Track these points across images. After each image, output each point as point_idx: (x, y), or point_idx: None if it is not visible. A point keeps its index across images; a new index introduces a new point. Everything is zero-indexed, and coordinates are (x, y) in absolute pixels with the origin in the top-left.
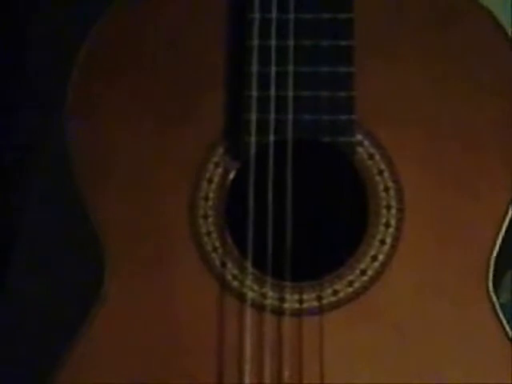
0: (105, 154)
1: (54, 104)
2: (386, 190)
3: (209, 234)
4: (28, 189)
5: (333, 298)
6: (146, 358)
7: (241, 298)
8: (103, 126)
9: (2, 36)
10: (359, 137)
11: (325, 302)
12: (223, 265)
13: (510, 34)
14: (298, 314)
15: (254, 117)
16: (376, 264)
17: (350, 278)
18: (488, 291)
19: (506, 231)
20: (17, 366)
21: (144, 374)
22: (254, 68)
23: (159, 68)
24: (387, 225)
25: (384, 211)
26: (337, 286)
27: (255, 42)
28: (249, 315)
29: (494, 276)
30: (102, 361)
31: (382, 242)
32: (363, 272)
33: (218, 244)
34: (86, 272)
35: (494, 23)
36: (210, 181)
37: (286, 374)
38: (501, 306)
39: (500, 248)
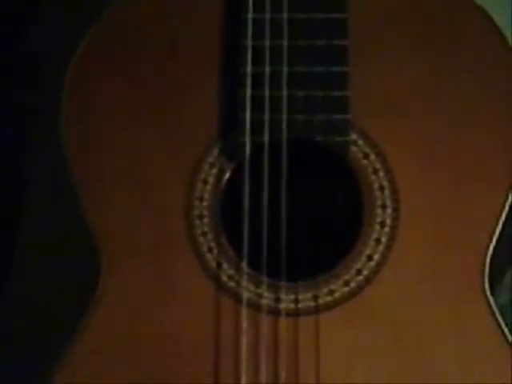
0: (100, 156)
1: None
2: (381, 189)
3: (204, 234)
4: (28, 189)
5: (328, 298)
6: (143, 357)
7: (236, 298)
8: (99, 128)
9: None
10: (354, 136)
11: (321, 301)
12: (219, 265)
13: (509, 35)
14: (293, 313)
15: (248, 117)
16: (371, 263)
17: (346, 277)
18: (484, 290)
19: (503, 230)
20: (17, 365)
21: (141, 373)
22: (249, 68)
23: (154, 69)
24: (382, 224)
25: (379, 211)
26: (332, 286)
27: (249, 42)
28: (245, 315)
29: (494, 276)
30: (100, 360)
31: (378, 241)
32: (359, 271)
33: (213, 244)
34: (85, 271)
35: (491, 25)
36: (205, 181)
37: (283, 374)
38: (501, 306)
39: (500, 248)
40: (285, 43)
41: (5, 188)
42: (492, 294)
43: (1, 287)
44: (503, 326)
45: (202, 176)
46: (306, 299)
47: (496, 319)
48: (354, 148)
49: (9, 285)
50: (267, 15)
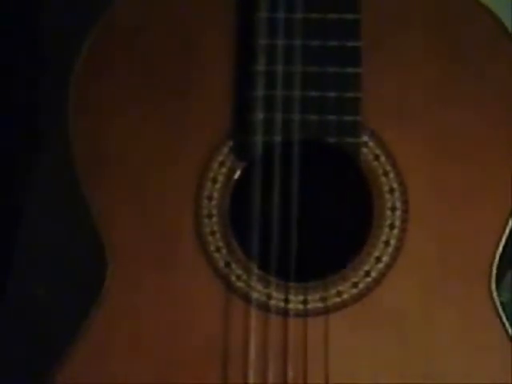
0: (108, 154)
1: (56, 102)
2: (391, 191)
3: (212, 233)
4: (29, 189)
5: (337, 299)
6: (149, 357)
7: (245, 298)
8: (105, 126)
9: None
10: (365, 138)
11: (329, 302)
12: (227, 265)
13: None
14: (302, 314)
15: (259, 116)
16: (380, 265)
17: (354, 279)
18: (491, 292)
19: (509, 232)
20: (17, 365)
21: (146, 374)
22: (261, 67)
23: (163, 66)
24: (392, 226)
25: (389, 212)
26: (341, 287)
27: (262, 42)
28: (254, 316)
29: (496, 275)
30: (103, 360)
31: (387, 243)
32: (367, 273)
33: (221, 244)
34: (87, 271)
35: (498, 25)
36: (215, 180)
37: (291, 374)
38: (501, 304)
39: (503, 248)
40: (297, 43)
41: (5, 188)
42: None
43: (1, 287)
44: (508, 326)
45: (212, 175)
46: (314, 300)
47: (502, 321)
48: (364, 149)
49: (9, 285)
50: (280, 15)
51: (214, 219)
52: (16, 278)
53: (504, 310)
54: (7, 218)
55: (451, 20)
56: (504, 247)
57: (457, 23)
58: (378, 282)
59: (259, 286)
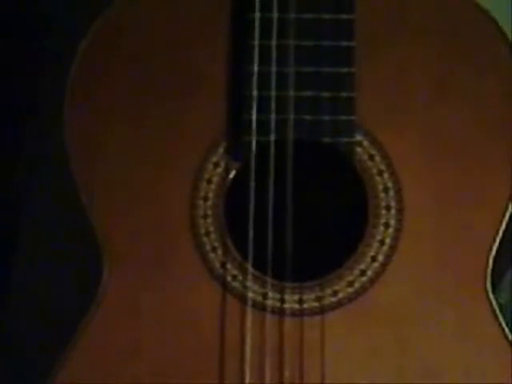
0: (102, 155)
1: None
2: (386, 190)
3: (208, 234)
4: (28, 186)
5: (333, 299)
6: (146, 358)
7: (241, 298)
8: (102, 125)
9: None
10: (359, 137)
11: (325, 302)
12: (223, 265)
13: (509, 35)
14: (298, 314)
15: (254, 117)
16: (375, 264)
17: (350, 278)
18: (486, 291)
19: (506, 231)
20: (16, 364)
21: (144, 374)
22: (255, 68)
23: (158, 67)
24: (387, 225)
25: (383, 212)
26: (336, 287)
27: (256, 42)
28: (249, 316)
29: (494, 276)
30: (101, 360)
31: (382, 242)
32: (363, 272)
33: (217, 244)
34: (86, 270)
35: (495, 28)
36: (210, 181)
37: (287, 374)
38: (500, 306)
39: (499, 248)
40: (292, 43)
41: (5, 186)
42: (493, 293)
43: (1, 287)
44: (504, 326)
45: (207, 176)
46: (310, 300)
47: (498, 320)
48: (359, 149)
49: (9, 284)
50: (274, 15)
51: (209, 220)
52: (16, 278)
53: (502, 311)
54: (8, 215)
55: (450, 21)
56: (501, 247)
57: (455, 24)
58: (373, 281)
59: (255, 286)
